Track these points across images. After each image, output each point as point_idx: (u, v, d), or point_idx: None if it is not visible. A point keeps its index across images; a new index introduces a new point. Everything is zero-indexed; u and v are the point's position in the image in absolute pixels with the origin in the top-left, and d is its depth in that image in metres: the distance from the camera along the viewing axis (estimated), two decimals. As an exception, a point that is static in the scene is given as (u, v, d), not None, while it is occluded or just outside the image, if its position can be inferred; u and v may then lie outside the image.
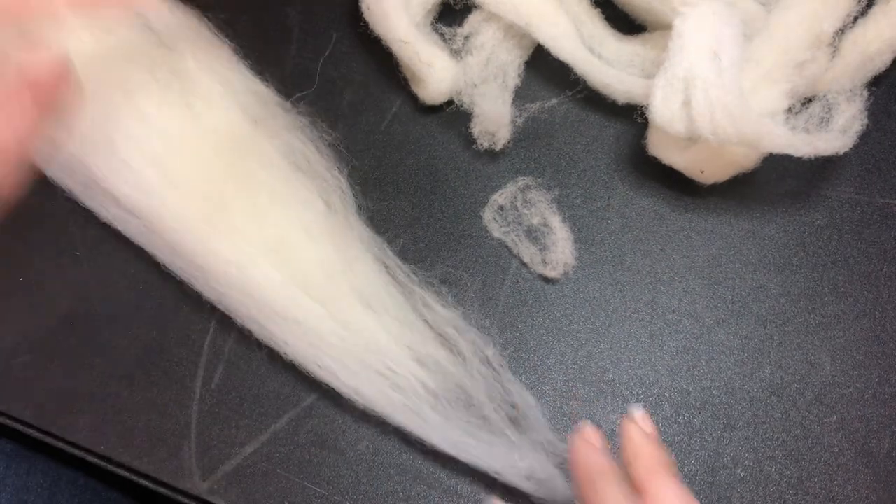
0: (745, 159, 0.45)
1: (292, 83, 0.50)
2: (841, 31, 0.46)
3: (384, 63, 0.50)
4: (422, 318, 0.44)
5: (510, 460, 0.40)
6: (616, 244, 0.46)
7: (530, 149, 0.49)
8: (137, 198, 0.45)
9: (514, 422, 0.42)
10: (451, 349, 0.43)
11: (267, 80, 0.49)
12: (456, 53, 0.49)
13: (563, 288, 0.46)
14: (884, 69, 0.48)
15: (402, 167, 0.49)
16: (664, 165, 0.47)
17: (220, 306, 0.44)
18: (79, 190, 0.47)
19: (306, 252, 0.45)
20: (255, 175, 0.46)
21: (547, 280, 0.46)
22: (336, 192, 0.47)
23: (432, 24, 0.51)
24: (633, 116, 0.47)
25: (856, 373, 0.43)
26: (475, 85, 0.48)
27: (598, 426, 0.42)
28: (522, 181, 0.48)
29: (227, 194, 0.46)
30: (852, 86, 0.46)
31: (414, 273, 0.45)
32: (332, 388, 0.42)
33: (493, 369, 0.43)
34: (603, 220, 0.47)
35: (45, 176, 0.47)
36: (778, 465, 0.42)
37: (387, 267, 0.45)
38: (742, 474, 0.41)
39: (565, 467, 0.41)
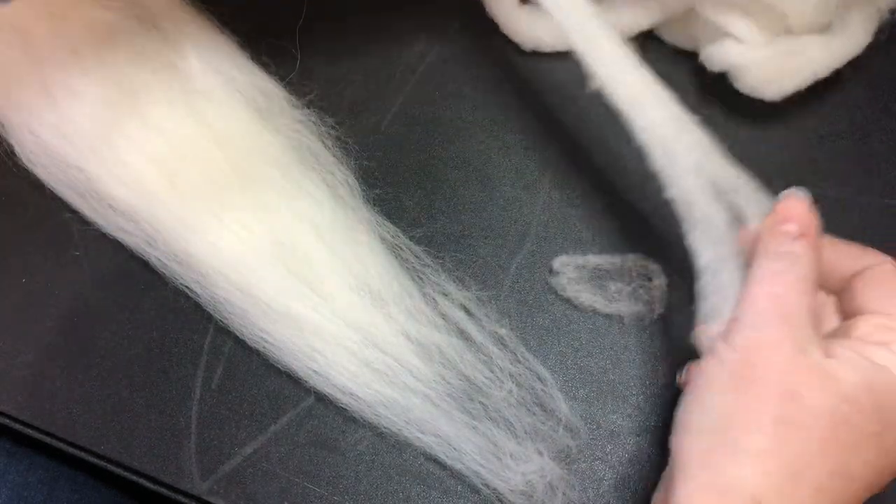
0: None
1: (296, 79, 0.50)
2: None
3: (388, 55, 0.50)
4: (433, 304, 0.44)
5: (503, 468, 0.40)
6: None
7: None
8: (137, 202, 0.45)
9: (524, 405, 0.42)
10: (460, 335, 0.44)
11: (272, 75, 0.50)
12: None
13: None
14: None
15: (411, 158, 0.49)
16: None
17: (220, 307, 0.44)
18: (76, 199, 0.47)
19: (314, 248, 0.45)
20: (260, 172, 0.46)
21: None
22: (343, 186, 0.47)
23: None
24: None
25: (856, 373, 0.43)
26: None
27: (598, 426, 0.42)
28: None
29: (232, 193, 0.46)
30: None
31: (429, 258, 0.45)
32: (328, 395, 0.42)
33: (508, 349, 0.43)
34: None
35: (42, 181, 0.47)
36: (778, 466, 0.41)
37: (400, 255, 0.46)
38: (742, 474, 0.41)
39: (573, 455, 0.41)
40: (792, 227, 0.33)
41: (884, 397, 0.30)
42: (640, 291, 0.45)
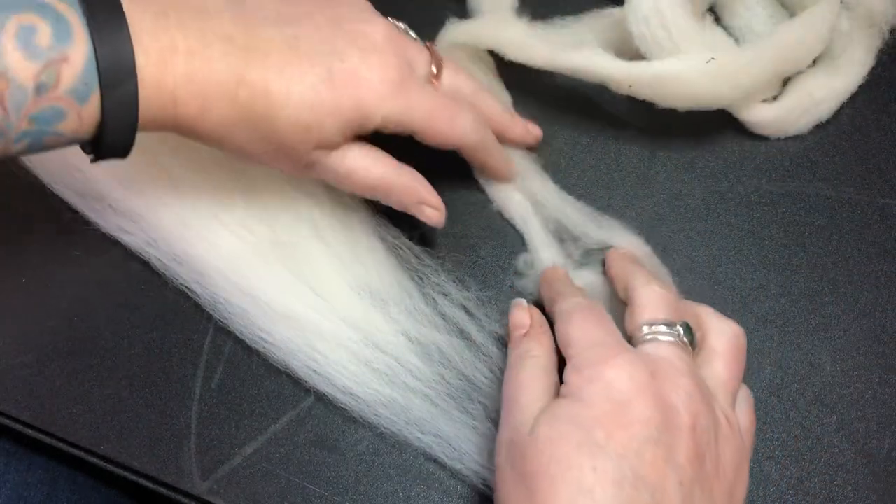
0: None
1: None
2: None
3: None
4: (433, 305, 0.44)
5: None
6: (616, 244, 0.46)
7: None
8: (137, 202, 0.45)
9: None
10: (460, 335, 0.44)
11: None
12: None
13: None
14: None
15: (411, 158, 0.49)
16: (663, 165, 0.47)
17: (220, 307, 0.44)
18: (76, 199, 0.46)
19: (314, 248, 0.45)
20: (260, 172, 0.46)
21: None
22: None
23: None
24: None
25: (856, 373, 0.43)
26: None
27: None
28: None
29: (232, 193, 0.46)
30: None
31: (429, 258, 0.46)
32: (328, 395, 0.43)
33: (507, 348, 0.43)
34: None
35: (43, 181, 0.47)
36: (778, 465, 0.42)
37: (400, 255, 0.46)
38: (742, 474, 0.41)
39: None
40: (519, 331, 0.40)
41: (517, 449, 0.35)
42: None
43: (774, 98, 0.47)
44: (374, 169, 0.42)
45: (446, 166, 0.49)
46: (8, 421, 0.44)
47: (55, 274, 0.46)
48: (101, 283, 0.46)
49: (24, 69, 0.32)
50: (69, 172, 0.46)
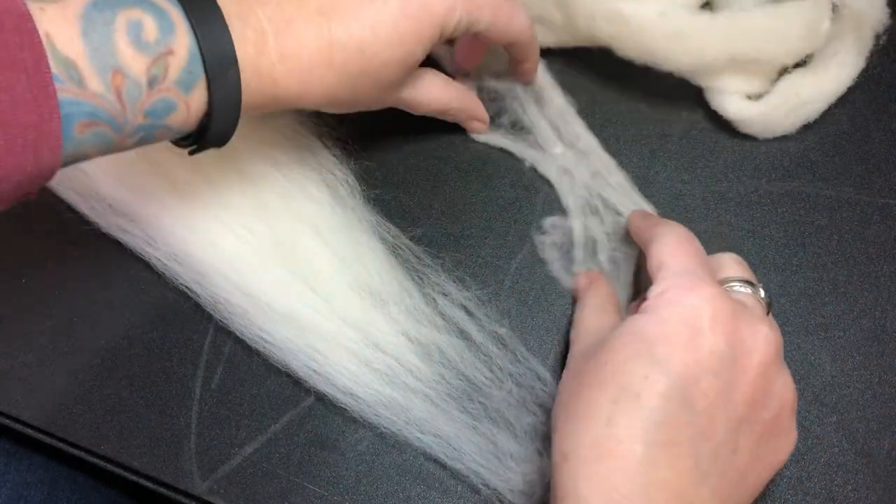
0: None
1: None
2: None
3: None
4: (433, 304, 0.44)
5: (503, 468, 0.41)
6: (616, 244, 0.47)
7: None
8: (137, 202, 0.45)
9: (524, 405, 0.42)
10: (460, 335, 0.44)
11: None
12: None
13: (563, 288, 0.46)
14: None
15: (411, 158, 0.49)
16: (663, 165, 0.47)
17: (220, 307, 0.44)
18: (76, 199, 0.46)
19: (314, 248, 0.45)
20: (260, 172, 0.46)
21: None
22: (343, 186, 0.47)
23: None
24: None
25: (856, 373, 0.43)
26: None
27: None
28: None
29: (232, 193, 0.46)
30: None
31: (429, 258, 0.46)
32: (328, 395, 0.43)
33: (508, 349, 0.43)
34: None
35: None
36: (778, 465, 0.42)
37: (400, 255, 0.46)
38: (742, 474, 0.41)
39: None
40: (582, 283, 0.45)
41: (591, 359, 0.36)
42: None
43: (760, 96, 0.47)
44: (444, 94, 0.45)
45: (447, 167, 0.49)
46: (8, 421, 0.44)
47: (55, 274, 0.47)
48: (102, 283, 0.46)
49: (137, 64, 0.33)
50: (69, 172, 0.46)
